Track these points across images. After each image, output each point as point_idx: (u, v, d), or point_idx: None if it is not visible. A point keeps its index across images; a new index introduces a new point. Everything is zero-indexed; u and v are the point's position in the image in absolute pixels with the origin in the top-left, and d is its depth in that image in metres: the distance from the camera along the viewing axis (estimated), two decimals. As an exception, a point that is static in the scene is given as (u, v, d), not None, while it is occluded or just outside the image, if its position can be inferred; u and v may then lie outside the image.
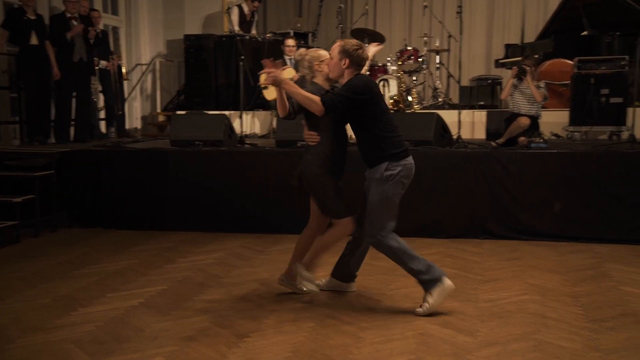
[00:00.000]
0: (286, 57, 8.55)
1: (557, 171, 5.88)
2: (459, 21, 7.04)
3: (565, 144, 6.65)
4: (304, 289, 4.35)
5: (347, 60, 3.96)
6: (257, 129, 9.05)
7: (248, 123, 8.88)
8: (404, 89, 8.53)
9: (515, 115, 6.80)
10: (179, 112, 9.08)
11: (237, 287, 4.62)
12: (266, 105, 8.74)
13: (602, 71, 7.05)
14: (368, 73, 9.36)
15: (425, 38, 9.77)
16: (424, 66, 9.35)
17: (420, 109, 8.66)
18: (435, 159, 6.11)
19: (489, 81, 9.41)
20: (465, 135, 7.57)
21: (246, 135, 7.92)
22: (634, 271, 4.85)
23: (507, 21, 11.30)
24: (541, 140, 6.33)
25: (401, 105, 8.22)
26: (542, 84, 6.95)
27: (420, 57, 9.24)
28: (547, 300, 4.19)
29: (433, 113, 6.69)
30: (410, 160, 4.02)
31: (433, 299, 3.93)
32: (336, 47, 4.02)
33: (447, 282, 3.93)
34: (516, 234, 5.93)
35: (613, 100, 7.01)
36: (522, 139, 6.57)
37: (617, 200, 5.75)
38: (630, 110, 6.90)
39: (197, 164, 6.59)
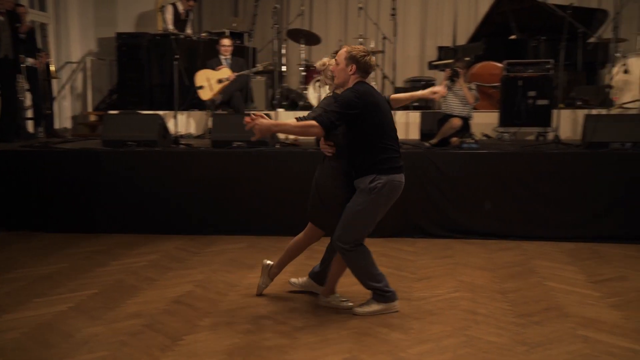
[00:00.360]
0: (221, 57, 8.48)
1: (487, 171, 6.04)
2: (393, 23, 7.14)
3: (495, 145, 6.85)
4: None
5: (354, 67, 3.84)
6: (193, 129, 8.93)
7: (183, 123, 8.75)
8: (339, 90, 8.59)
9: (447, 117, 6.95)
10: (111, 112, 8.86)
11: (172, 289, 4.56)
12: (201, 105, 8.64)
13: (529, 74, 7.29)
14: (304, 74, 9.44)
15: (360, 39, 9.86)
16: (359, 67, 9.42)
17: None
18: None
19: (423, 82, 9.58)
20: (400, 135, 7.54)
21: (181, 136, 7.81)
22: (558, 267, 5.04)
23: (440, 24, 11.53)
24: (472, 141, 6.49)
25: (337, 106, 8.27)
26: (473, 86, 7.12)
27: (355, 58, 9.32)
28: (477, 297, 4.31)
29: (368, 114, 6.75)
30: (399, 177, 3.89)
31: (376, 308, 3.96)
32: (343, 52, 3.88)
33: (396, 305, 4.00)
34: (449, 233, 6.07)
35: (539, 102, 7.25)
36: (454, 139, 6.72)
37: (543, 199, 5.96)
38: (555, 112, 7.15)
39: (130, 164, 6.45)
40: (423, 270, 4.99)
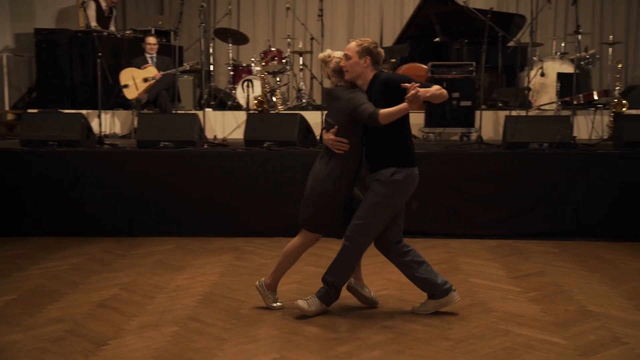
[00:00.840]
0: (147, 55, 8.32)
1: (413, 170, 6.16)
2: (320, 24, 7.18)
3: (421, 145, 6.99)
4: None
5: (369, 59, 3.80)
6: (118, 129, 8.71)
7: (107, 123, 8.52)
8: (268, 90, 8.58)
9: (374, 117, 7.04)
10: (30, 111, 8.53)
11: (96, 292, 4.43)
12: (126, 104, 8.44)
13: (453, 76, 7.48)
14: (232, 74, 9.37)
15: (288, 39, 9.88)
16: (288, 67, 9.45)
17: (284, 110, 8.75)
18: (300, 159, 6.20)
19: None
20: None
21: (105, 135, 7.60)
22: (481, 264, 5.20)
23: (367, 26, 11.68)
24: (399, 141, 6.59)
25: (265, 106, 8.26)
26: (399, 87, 7.25)
27: (283, 58, 9.34)
28: (404, 294, 4.39)
29: (297, 114, 6.79)
30: (416, 170, 3.89)
31: (314, 307, 3.94)
32: (354, 46, 3.81)
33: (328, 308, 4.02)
34: (376, 232, 6.15)
35: (463, 103, 7.46)
36: (381, 139, 6.82)
37: (467, 198, 6.13)
38: (477, 113, 7.37)
39: (51, 165, 6.23)
40: (352, 269, 5.04)
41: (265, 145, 6.36)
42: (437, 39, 9.09)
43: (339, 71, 3.90)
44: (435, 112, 7.49)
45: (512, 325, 3.78)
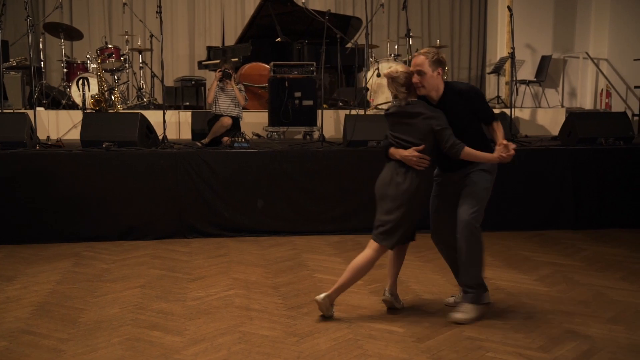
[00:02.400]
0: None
1: (258, 169, 6.20)
2: (159, 21, 7.00)
3: (266, 144, 7.05)
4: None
5: (440, 69, 3.78)
6: None
7: None
8: (106, 89, 8.22)
9: (217, 117, 7.01)
10: None
11: None
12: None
13: (294, 76, 7.63)
14: (66, 71, 8.87)
15: (127, 36, 9.53)
16: (127, 65, 9.12)
17: (124, 109, 8.44)
18: (141, 159, 6.01)
19: (193, 82, 9.55)
20: (171, 135, 7.59)
21: None
22: (325, 259, 5.35)
23: (209, 24, 11.56)
24: (243, 140, 6.62)
25: (103, 105, 7.90)
26: (242, 87, 7.28)
27: (122, 55, 9.00)
28: (251, 293, 4.41)
29: (137, 113, 6.58)
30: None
31: (474, 314, 3.87)
32: (424, 61, 3.73)
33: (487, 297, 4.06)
34: (223, 231, 6.12)
35: (305, 103, 7.64)
36: (225, 139, 6.81)
37: (311, 195, 6.27)
38: (319, 112, 7.57)
39: None
40: (198, 270, 4.98)
41: (104, 145, 6.10)
42: (279, 39, 9.23)
43: (408, 86, 3.80)
44: (278, 112, 7.60)
45: (355, 317, 3.92)
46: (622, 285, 4.58)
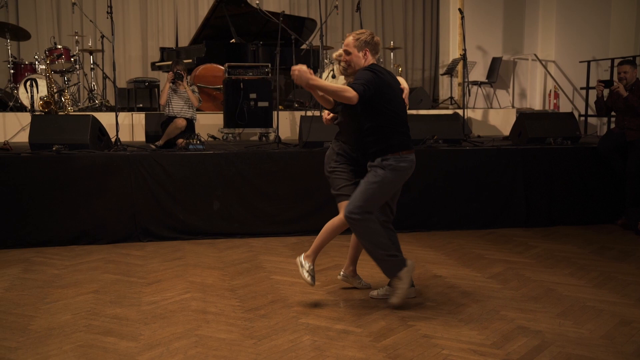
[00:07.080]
0: None
1: (214, 171, 6.16)
2: (110, 21, 6.89)
3: (221, 145, 7.02)
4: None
5: (367, 50, 3.88)
6: None
7: None
8: (56, 90, 8.05)
9: (171, 118, 6.94)
10: None
11: None
12: None
13: (249, 77, 7.61)
14: (13, 72, 8.65)
15: (76, 37, 9.35)
16: (77, 66, 8.95)
17: (75, 111, 8.27)
18: (93, 162, 5.91)
19: (146, 83, 9.42)
20: (124, 138, 7.48)
21: None
22: (282, 261, 5.35)
23: (162, 25, 11.43)
24: (198, 142, 6.57)
25: (53, 107, 7.73)
26: (195, 88, 7.22)
27: (72, 56, 8.83)
28: (207, 296, 4.38)
29: (89, 115, 6.47)
30: (412, 157, 3.96)
31: (402, 287, 3.99)
32: (352, 41, 3.89)
33: (411, 264, 4.06)
34: (178, 234, 6.07)
35: (260, 104, 7.62)
36: (180, 140, 6.74)
37: (267, 197, 6.26)
38: (275, 113, 7.57)
39: None
40: (153, 274, 4.92)
41: (54, 148, 5.97)
42: (233, 40, 9.19)
43: (344, 69, 4.01)
44: (233, 113, 7.57)
45: (312, 318, 3.93)
46: (570, 281, 4.71)
